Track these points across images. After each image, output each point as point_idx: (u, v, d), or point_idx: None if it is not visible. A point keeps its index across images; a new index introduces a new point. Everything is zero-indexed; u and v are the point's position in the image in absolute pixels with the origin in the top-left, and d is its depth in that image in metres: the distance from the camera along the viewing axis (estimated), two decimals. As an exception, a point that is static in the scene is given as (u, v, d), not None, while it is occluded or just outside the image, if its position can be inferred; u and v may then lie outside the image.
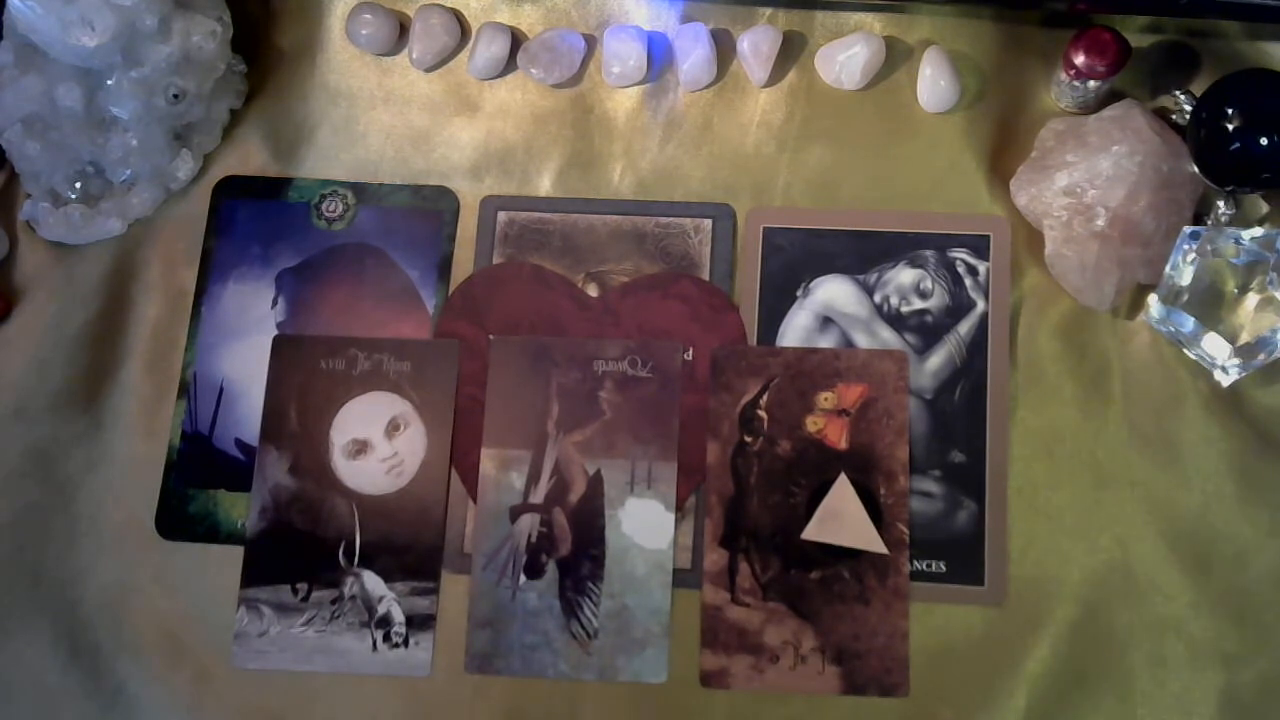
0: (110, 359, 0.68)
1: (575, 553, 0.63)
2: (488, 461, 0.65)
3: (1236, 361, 0.61)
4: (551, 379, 0.65)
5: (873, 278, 0.66)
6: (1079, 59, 0.64)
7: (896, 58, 0.69)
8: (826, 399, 0.64)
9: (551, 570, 0.63)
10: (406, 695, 0.63)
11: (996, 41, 0.70)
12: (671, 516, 0.63)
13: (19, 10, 0.63)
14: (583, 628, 0.62)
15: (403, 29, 0.72)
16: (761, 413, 0.64)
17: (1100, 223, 0.63)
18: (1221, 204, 0.64)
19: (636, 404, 0.65)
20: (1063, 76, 0.66)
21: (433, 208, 0.69)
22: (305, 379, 0.67)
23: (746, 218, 0.67)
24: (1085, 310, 0.65)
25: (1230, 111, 0.61)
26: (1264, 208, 0.66)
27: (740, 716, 0.61)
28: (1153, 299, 0.64)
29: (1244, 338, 0.61)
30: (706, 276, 0.67)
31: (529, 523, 0.64)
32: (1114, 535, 0.62)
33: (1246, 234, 0.61)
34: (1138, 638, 0.61)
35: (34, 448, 0.67)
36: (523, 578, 0.63)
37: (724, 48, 0.70)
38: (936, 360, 0.65)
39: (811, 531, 0.62)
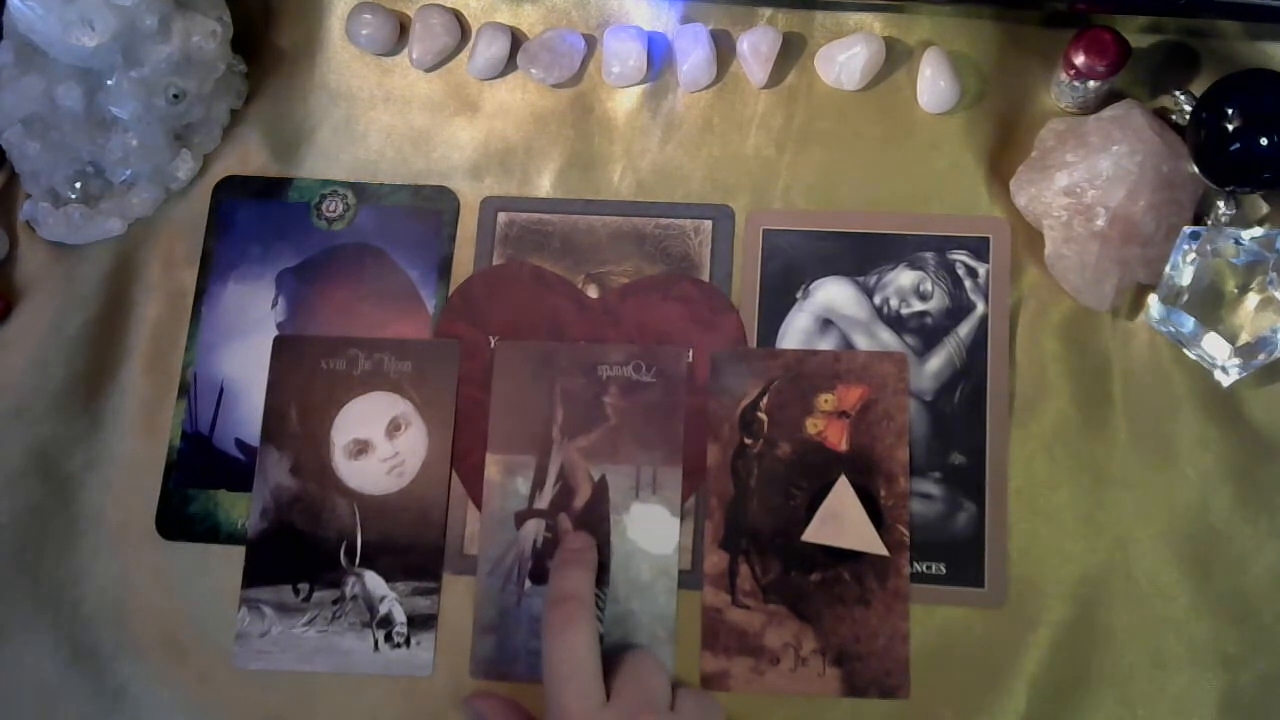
0: (110, 359, 0.68)
1: (580, 558, 0.63)
2: (492, 466, 0.65)
3: (1236, 361, 0.61)
4: (556, 384, 0.65)
5: (872, 280, 0.66)
6: (1079, 59, 0.64)
7: (896, 58, 0.69)
8: (826, 401, 0.64)
9: (552, 578, 0.63)
10: (408, 695, 0.63)
11: (996, 41, 0.70)
12: (676, 522, 0.63)
13: (19, 10, 0.62)
14: (588, 632, 0.62)
15: (403, 29, 0.72)
16: (761, 415, 0.64)
17: (1100, 223, 0.63)
18: (1221, 204, 0.64)
19: (641, 409, 0.65)
20: (1063, 76, 0.66)
21: (433, 208, 0.69)
22: (306, 379, 0.67)
23: (746, 219, 0.67)
24: (1085, 310, 0.65)
25: (1230, 111, 0.61)
26: (1264, 208, 0.66)
27: (741, 718, 0.61)
28: (1153, 299, 0.64)
29: (1244, 338, 0.61)
30: (706, 278, 0.67)
31: (534, 528, 0.64)
32: (1114, 536, 0.62)
33: (1246, 234, 0.61)
34: (1137, 638, 0.61)
35: (34, 448, 0.67)
36: (528, 583, 0.63)
37: (724, 48, 0.70)
38: (936, 362, 0.65)
39: (812, 533, 0.63)
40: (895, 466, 0.63)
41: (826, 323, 0.66)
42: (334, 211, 0.69)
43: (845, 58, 0.68)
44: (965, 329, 0.65)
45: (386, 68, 0.72)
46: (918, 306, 0.65)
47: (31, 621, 0.65)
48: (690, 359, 0.65)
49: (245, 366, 0.67)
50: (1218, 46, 0.69)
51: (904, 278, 0.66)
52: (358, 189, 0.70)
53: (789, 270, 0.66)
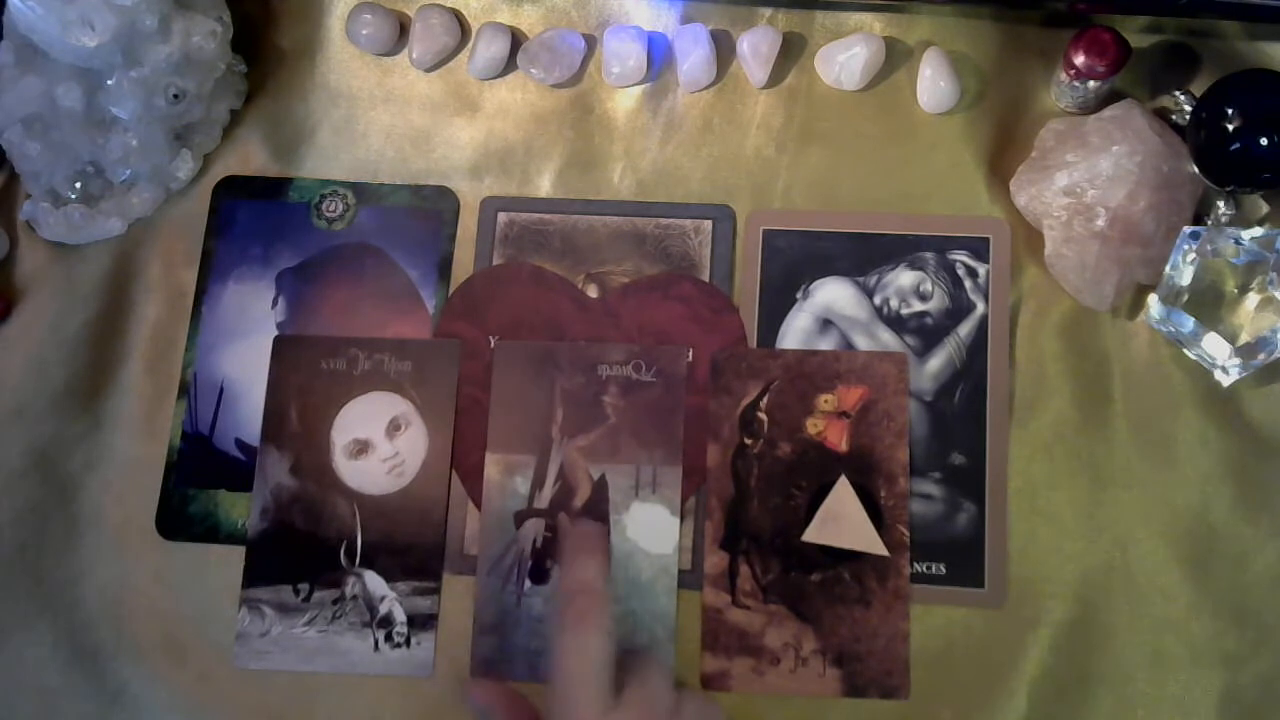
0: (110, 359, 0.68)
1: (580, 558, 0.63)
2: (492, 466, 0.65)
3: (1236, 361, 0.61)
4: (556, 383, 0.65)
5: (872, 280, 0.66)
6: (1079, 59, 0.64)
7: (896, 58, 0.69)
8: (827, 401, 0.64)
9: (556, 575, 0.63)
10: (408, 695, 0.63)
11: (996, 41, 0.70)
12: (676, 521, 0.63)
13: (19, 10, 0.62)
14: (587, 632, 0.62)
15: (403, 29, 0.72)
16: (762, 415, 0.64)
17: (1100, 223, 0.63)
18: (1221, 204, 0.64)
19: (641, 409, 0.65)
20: (1063, 76, 0.66)
21: (433, 208, 0.69)
22: (306, 379, 0.67)
23: (746, 219, 0.67)
24: (1085, 310, 0.65)
25: (1230, 111, 0.61)
26: (1264, 208, 0.66)
27: (741, 719, 0.61)
28: (1153, 299, 0.64)
29: (1244, 338, 0.61)
30: (707, 278, 0.67)
31: (534, 528, 0.64)
32: (1113, 536, 0.63)
33: (1246, 234, 0.61)
34: (1137, 638, 0.61)
35: (34, 448, 0.67)
36: (528, 583, 0.63)
37: (724, 49, 0.70)
38: (936, 362, 0.65)
39: (812, 534, 0.63)
40: (895, 466, 0.63)
41: (826, 323, 0.66)
42: (334, 211, 0.69)
43: (845, 58, 0.68)
44: (965, 329, 0.65)
45: (386, 68, 0.72)
46: (918, 307, 0.65)
47: (31, 621, 0.65)
48: (690, 359, 0.65)
49: (245, 366, 0.67)
50: (1218, 46, 0.69)
51: (904, 278, 0.66)
52: (358, 189, 0.70)
53: (789, 270, 0.66)
